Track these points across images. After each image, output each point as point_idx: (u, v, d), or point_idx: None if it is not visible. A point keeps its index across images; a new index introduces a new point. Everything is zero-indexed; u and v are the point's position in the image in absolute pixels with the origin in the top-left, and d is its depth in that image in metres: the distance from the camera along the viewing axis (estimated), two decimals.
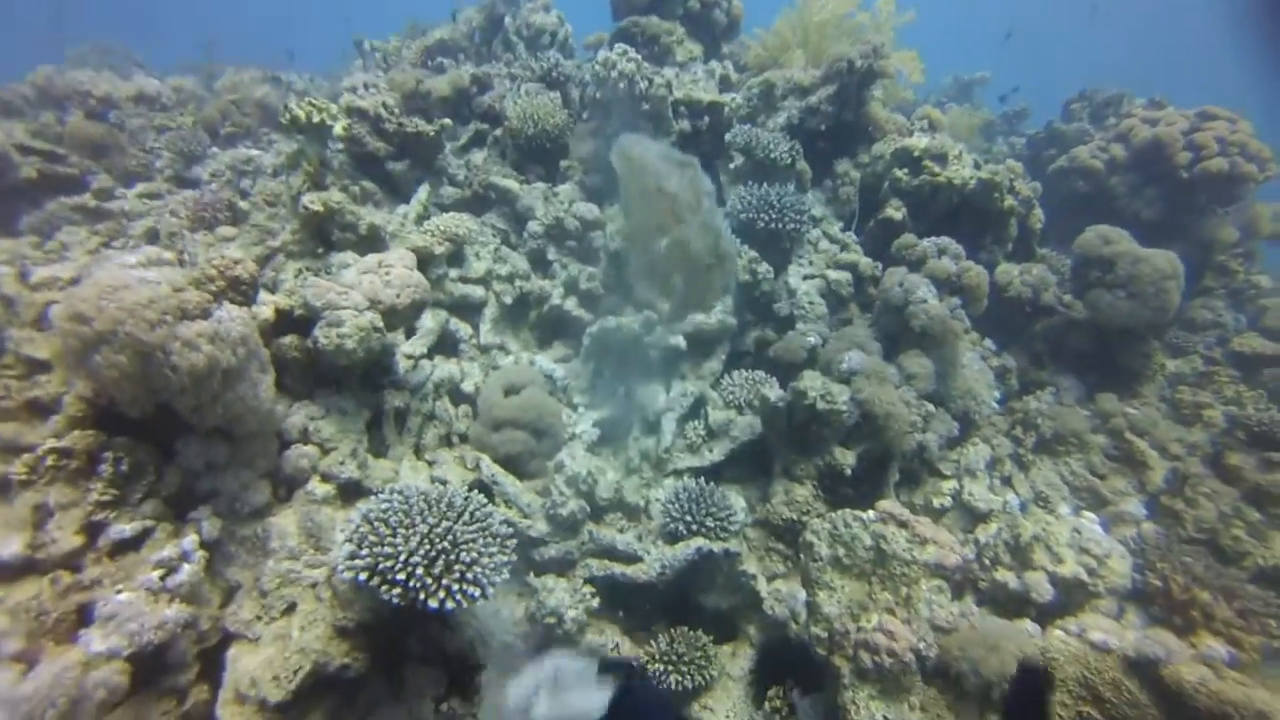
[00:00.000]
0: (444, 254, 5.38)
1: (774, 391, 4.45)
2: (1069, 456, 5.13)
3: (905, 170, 5.84)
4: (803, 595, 3.74)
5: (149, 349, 2.76)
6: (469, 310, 5.56)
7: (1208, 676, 2.54)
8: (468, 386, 4.97)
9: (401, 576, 2.89)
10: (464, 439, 4.64)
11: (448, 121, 6.15)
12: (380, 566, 2.92)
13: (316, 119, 4.04)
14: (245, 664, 3.09)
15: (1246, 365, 7.89)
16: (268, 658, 3.13)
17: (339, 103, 6.08)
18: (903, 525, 3.24)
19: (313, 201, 4.13)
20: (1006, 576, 3.93)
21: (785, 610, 3.82)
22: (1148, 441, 5.31)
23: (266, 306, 3.75)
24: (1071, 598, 3.75)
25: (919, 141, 5.82)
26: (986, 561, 4.07)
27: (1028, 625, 3.06)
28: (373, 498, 3.31)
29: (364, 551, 2.96)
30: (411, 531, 3.06)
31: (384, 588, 2.91)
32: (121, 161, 6.54)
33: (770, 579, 4.13)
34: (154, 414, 3.04)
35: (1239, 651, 3.06)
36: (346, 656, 3.19)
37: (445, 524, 3.18)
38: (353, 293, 3.87)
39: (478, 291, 5.54)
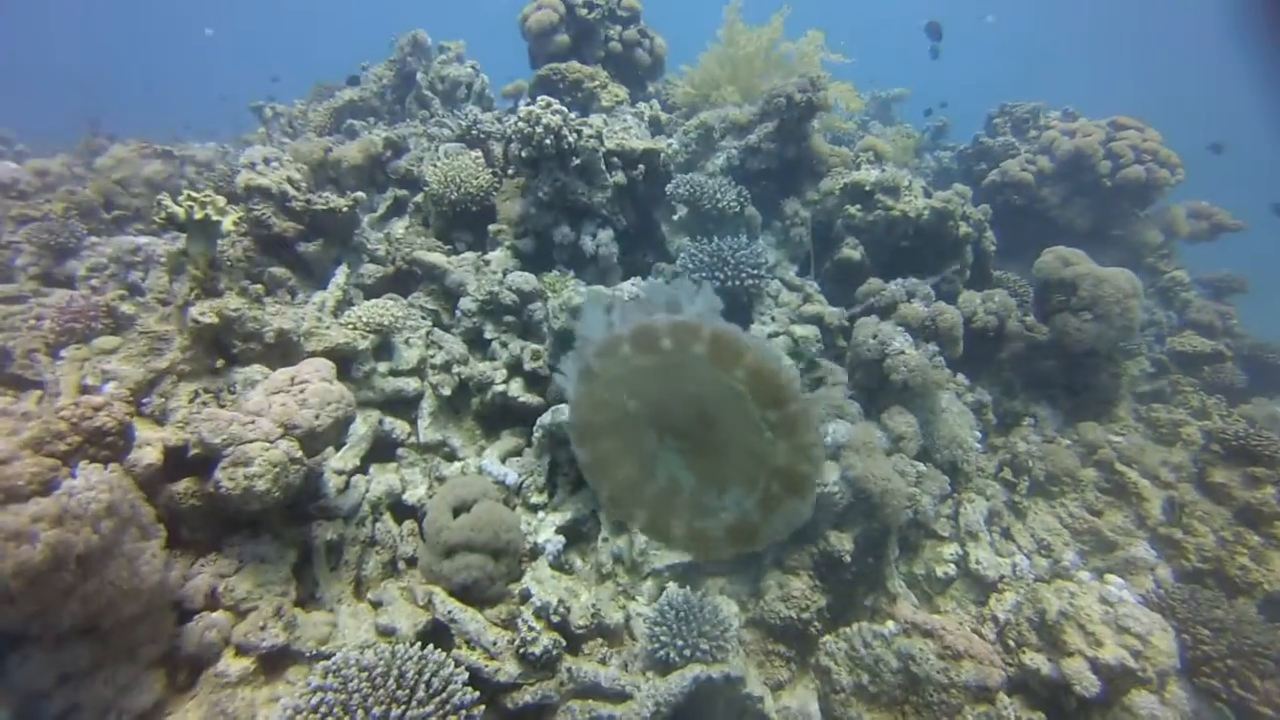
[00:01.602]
0: (369, 347, 4.77)
1: None
2: (1064, 498, 4.84)
3: (858, 206, 5.55)
4: (814, 707, 3.26)
5: None
6: (404, 405, 4.96)
7: None
8: (412, 498, 4.35)
9: None
10: (411, 563, 4.00)
11: (361, 196, 5.60)
12: None
13: (199, 215, 3.41)
14: None
15: (1187, 363, 8.05)
16: None
17: (237, 181, 5.46)
18: (929, 635, 2.81)
19: (204, 312, 3.49)
20: (1038, 661, 3.53)
21: None
22: (1138, 471, 5.08)
23: (151, 448, 3.08)
24: (1116, 686, 3.37)
25: (869, 175, 5.56)
26: (1010, 643, 3.67)
27: None
28: (298, 688, 2.68)
29: None
30: None
31: None
32: None
33: (775, 689, 3.62)
34: None
35: None
36: None
37: (396, 710, 2.58)
38: (261, 420, 3.23)
39: (412, 384, 4.95)
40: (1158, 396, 7.45)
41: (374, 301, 5.28)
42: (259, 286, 4.08)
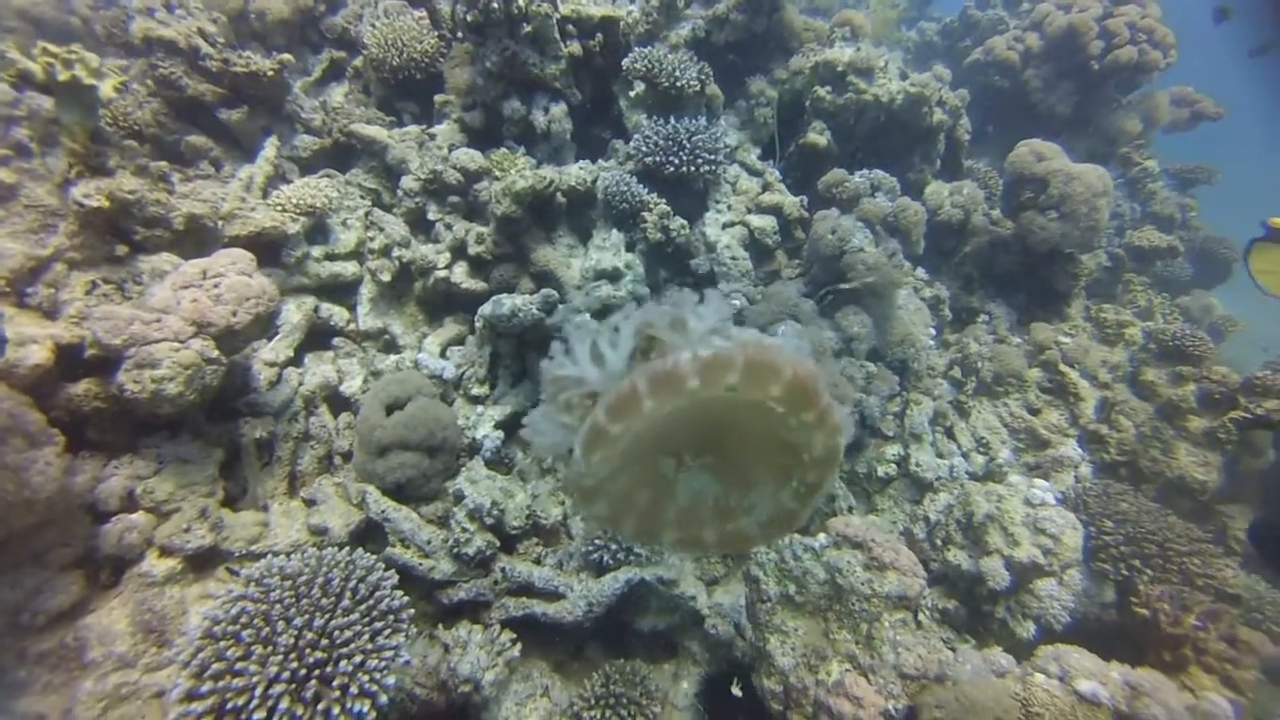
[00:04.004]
0: (301, 231, 4.42)
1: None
2: (1008, 398, 4.90)
3: (828, 88, 5.15)
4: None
5: None
6: (342, 291, 4.68)
7: None
8: (349, 389, 4.20)
9: (260, 716, 2.26)
10: (348, 458, 3.92)
11: (289, 58, 4.98)
12: (229, 705, 2.28)
13: (64, 76, 2.92)
14: None
15: (1142, 258, 8.12)
16: None
17: (132, 29, 4.78)
18: (858, 547, 2.85)
19: (89, 195, 3.10)
20: (960, 558, 3.69)
21: (729, 628, 3.45)
22: (1079, 371, 5.15)
23: (38, 346, 2.83)
24: (1025, 579, 3.55)
25: (842, 54, 5.11)
26: (938, 541, 3.81)
27: (1000, 658, 2.79)
28: (218, 599, 2.62)
29: (205, 687, 2.29)
30: (272, 646, 2.40)
31: None
32: None
33: (710, 585, 3.73)
34: None
35: (1239, 697, 2.90)
36: None
37: (319, 620, 2.54)
38: (168, 318, 2.97)
39: (350, 268, 4.66)
40: (1109, 294, 7.52)
41: (305, 181, 4.85)
42: (162, 164, 3.65)
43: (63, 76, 2.88)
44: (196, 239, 3.65)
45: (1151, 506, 4.01)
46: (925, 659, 2.64)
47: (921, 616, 3.75)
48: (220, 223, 3.83)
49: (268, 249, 4.28)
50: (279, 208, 4.46)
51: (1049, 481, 4.20)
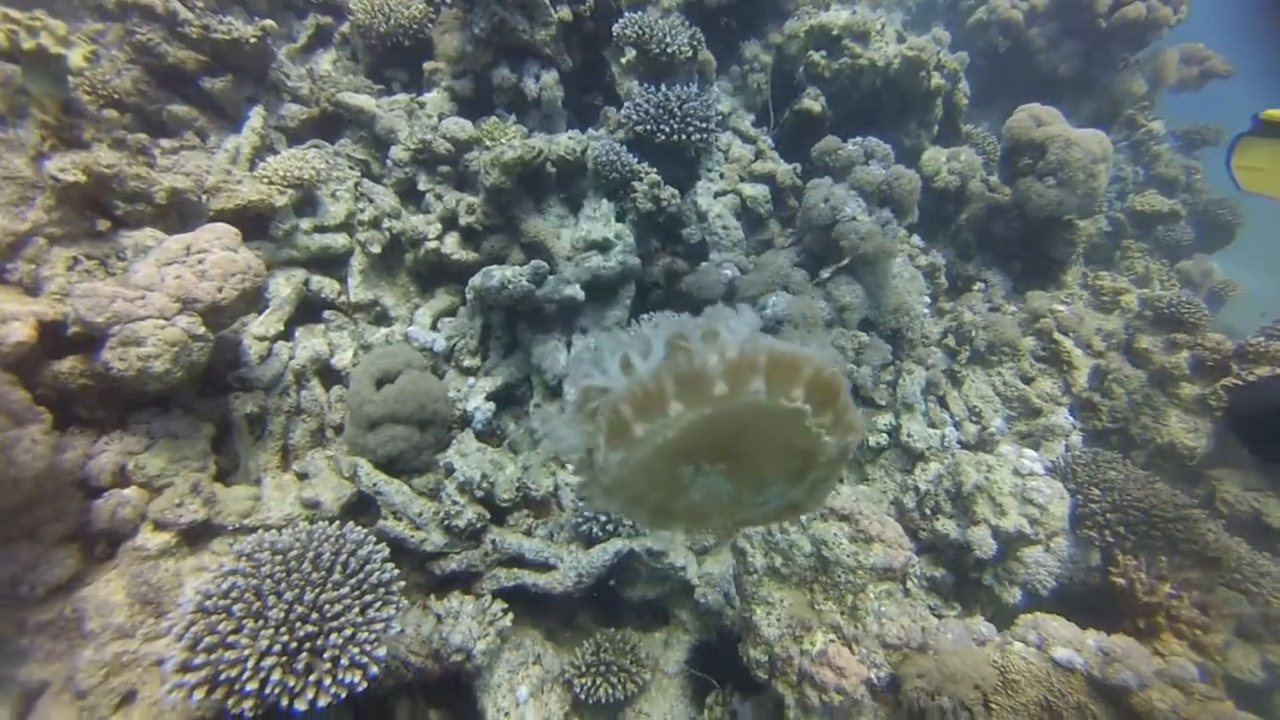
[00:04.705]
0: (289, 203, 4.36)
1: None
2: (1002, 366, 4.89)
3: (822, 53, 5.04)
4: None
5: None
6: (333, 264, 4.64)
7: (1179, 702, 2.35)
8: (341, 362, 4.19)
9: (252, 686, 2.31)
10: (340, 431, 3.93)
11: (272, 24, 4.85)
12: (222, 677, 2.32)
13: (28, 45, 2.83)
14: None
15: (1144, 223, 8.04)
16: None
17: None
18: (845, 519, 2.86)
19: (64, 169, 3.05)
20: (948, 527, 3.72)
21: (719, 597, 3.50)
22: (1073, 340, 5.12)
23: (20, 324, 2.81)
24: (1012, 547, 3.59)
25: (837, 18, 4.99)
26: (927, 510, 3.83)
27: (982, 627, 2.82)
28: (209, 573, 2.65)
29: (198, 659, 2.33)
30: (263, 620, 2.44)
31: (231, 702, 2.33)
32: None
33: (700, 554, 3.77)
34: None
35: (1204, 659, 2.96)
36: None
37: (310, 593, 2.58)
38: (153, 295, 2.95)
39: (340, 240, 4.61)
40: (1108, 260, 7.46)
41: (291, 152, 4.76)
42: (141, 136, 3.58)
43: (27, 45, 2.81)
44: (180, 213, 3.61)
45: (1139, 474, 4.03)
46: (908, 629, 2.68)
47: (910, 584, 3.81)
48: (205, 197, 3.78)
49: (255, 222, 4.24)
50: (266, 180, 4.39)
51: (1039, 451, 4.22)
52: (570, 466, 3.78)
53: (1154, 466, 4.93)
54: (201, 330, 3.05)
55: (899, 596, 2.80)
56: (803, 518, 2.98)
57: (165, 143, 4.11)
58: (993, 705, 2.47)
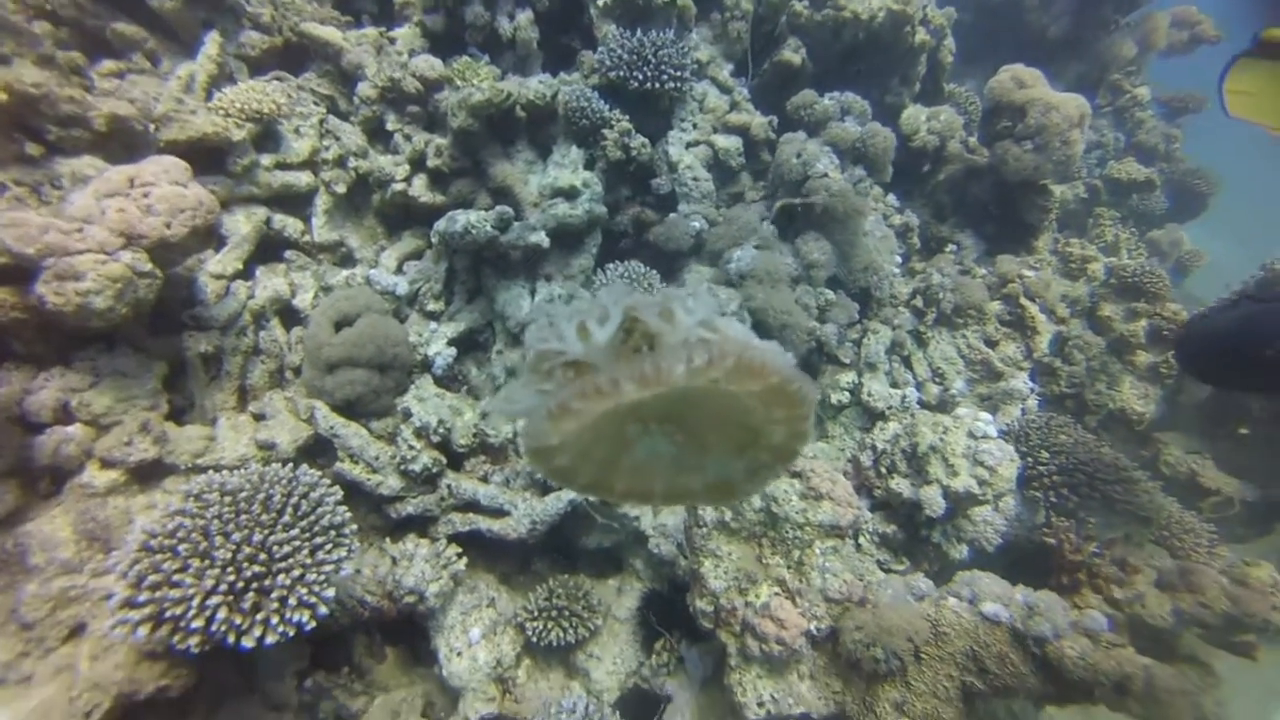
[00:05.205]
0: (247, 138, 4.19)
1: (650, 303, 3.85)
2: (967, 329, 4.94)
3: (805, 3, 4.89)
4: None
5: None
6: (296, 202, 4.50)
7: (1087, 649, 2.52)
8: (302, 303, 4.11)
9: (198, 624, 2.33)
10: (300, 373, 3.88)
11: None
12: (167, 614, 2.33)
13: None
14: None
15: (1120, 190, 8.09)
16: (43, 702, 2.57)
17: None
18: (797, 476, 2.92)
19: None
20: (902, 485, 3.80)
21: (672, 547, 3.57)
22: (1038, 305, 5.18)
23: None
24: (961, 507, 3.69)
25: None
26: (884, 469, 3.91)
27: (921, 583, 2.92)
28: (156, 511, 2.64)
29: (142, 597, 2.34)
30: (209, 561, 2.44)
31: (177, 638, 2.35)
32: None
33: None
34: None
35: (1116, 612, 3.15)
36: (164, 678, 2.68)
37: (259, 535, 2.58)
38: (92, 228, 2.85)
39: (304, 178, 4.45)
40: (1081, 227, 7.50)
41: (251, 84, 4.55)
42: (74, 55, 3.40)
43: None
44: (125, 142, 3.46)
45: (1087, 438, 4.14)
46: (850, 584, 2.76)
47: (862, 540, 3.92)
48: (153, 126, 3.62)
49: (211, 156, 4.08)
50: (222, 112, 4.22)
51: (996, 414, 4.30)
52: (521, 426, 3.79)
53: (1106, 430, 5.07)
54: (148, 267, 2.97)
55: (845, 553, 2.87)
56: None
57: (109, 64, 3.88)
58: (923, 655, 2.58)
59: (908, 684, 2.62)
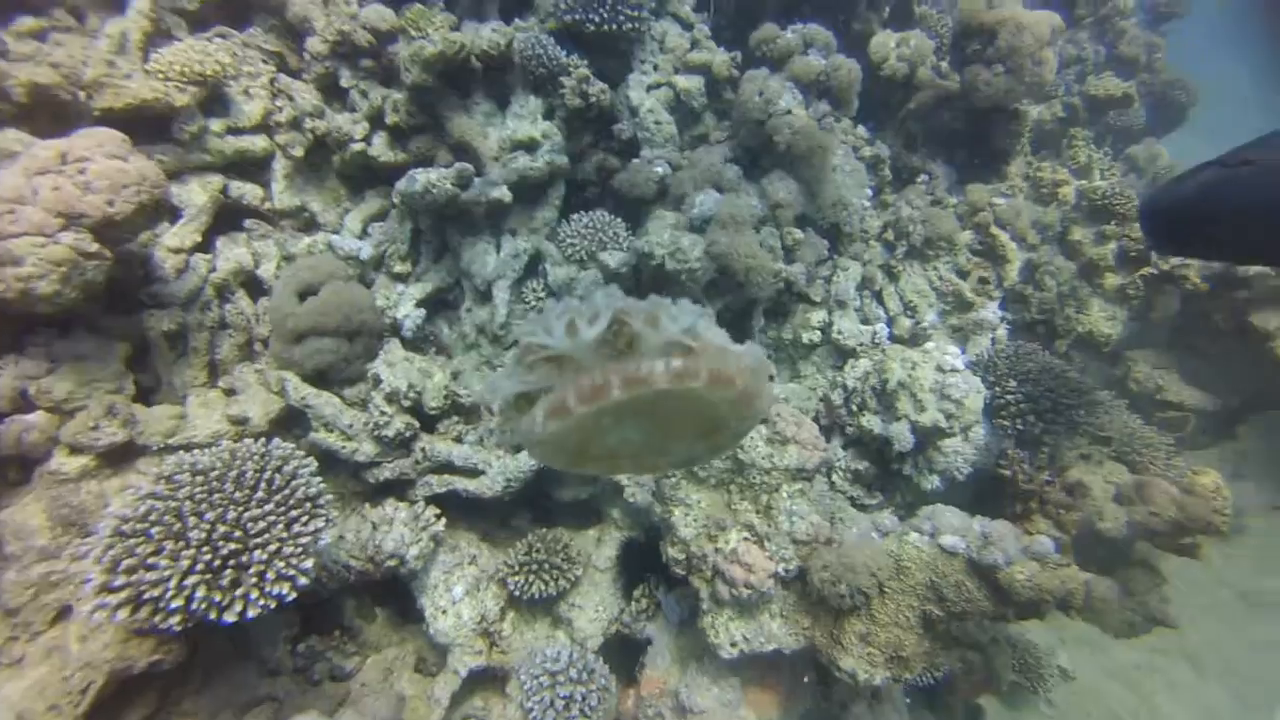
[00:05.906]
0: (192, 102, 4.01)
1: (615, 256, 3.82)
2: (938, 260, 4.94)
3: None
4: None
5: None
6: (253, 168, 4.36)
7: (1035, 572, 2.66)
8: (267, 273, 4.03)
9: (178, 604, 2.38)
10: (269, 344, 3.86)
11: None
12: (145, 596, 2.38)
13: None
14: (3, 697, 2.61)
15: (1097, 107, 7.95)
16: (37, 682, 2.64)
17: None
18: (763, 420, 2.96)
19: None
20: (873, 422, 3.86)
21: (647, 496, 3.64)
22: (1009, 233, 5.18)
23: None
24: (930, 440, 3.76)
25: None
26: (855, 407, 3.97)
27: (886, 520, 3.00)
28: (128, 494, 2.66)
29: (118, 580, 2.39)
30: (183, 542, 2.48)
31: (158, 618, 2.41)
32: None
33: None
34: None
35: (1063, 535, 3.29)
36: (155, 653, 2.76)
37: (232, 512, 2.62)
38: (25, 209, 2.77)
39: (259, 142, 4.29)
40: (1057, 148, 7.40)
41: (190, 43, 4.32)
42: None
43: None
44: (53, 113, 3.31)
45: (1054, 364, 4.20)
46: (817, 525, 2.85)
47: (835, 477, 4.01)
48: (84, 94, 3.47)
49: (154, 123, 3.92)
50: (161, 76, 4.04)
51: (965, 345, 4.35)
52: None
53: (1077, 353, 5.14)
54: (94, 248, 2.90)
55: (812, 495, 2.95)
56: None
57: (27, 22, 3.65)
58: (886, 589, 2.69)
59: (872, 616, 2.74)
